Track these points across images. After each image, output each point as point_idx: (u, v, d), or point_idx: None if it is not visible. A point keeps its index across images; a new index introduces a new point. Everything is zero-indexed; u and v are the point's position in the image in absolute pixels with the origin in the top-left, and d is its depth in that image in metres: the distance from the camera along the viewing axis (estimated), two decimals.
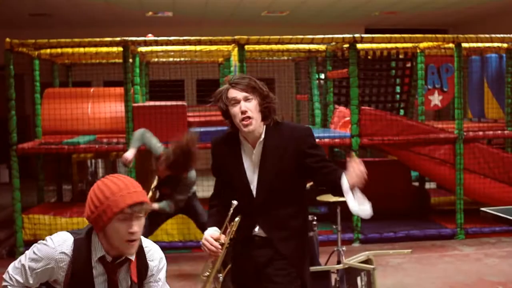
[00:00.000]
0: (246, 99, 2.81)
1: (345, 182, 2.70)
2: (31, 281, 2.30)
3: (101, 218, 2.23)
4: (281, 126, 2.93)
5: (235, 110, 2.81)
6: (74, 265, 2.27)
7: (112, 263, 2.31)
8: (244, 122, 2.80)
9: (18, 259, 2.35)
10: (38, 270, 2.27)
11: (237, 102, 2.81)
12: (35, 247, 2.31)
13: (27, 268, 2.28)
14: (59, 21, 12.41)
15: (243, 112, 2.79)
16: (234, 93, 2.82)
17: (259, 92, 2.84)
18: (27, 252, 2.34)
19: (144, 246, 2.44)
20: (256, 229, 2.94)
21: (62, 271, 2.28)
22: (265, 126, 2.89)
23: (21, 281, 2.30)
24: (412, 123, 7.53)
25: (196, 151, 4.93)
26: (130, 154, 5.25)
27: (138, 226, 2.27)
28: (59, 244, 2.27)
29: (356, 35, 7.23)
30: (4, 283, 2.34)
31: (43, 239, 2.33)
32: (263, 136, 2.89)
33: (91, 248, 2.29)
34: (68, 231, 2.36)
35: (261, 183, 2.88)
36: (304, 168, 2.88)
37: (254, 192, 2.89)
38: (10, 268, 2.35)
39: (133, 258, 2.35)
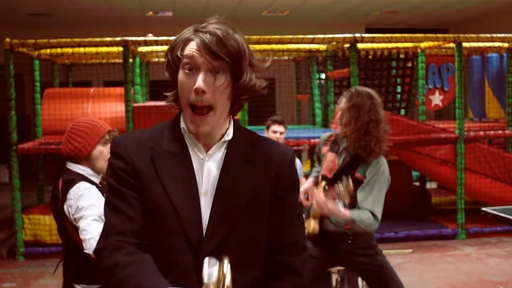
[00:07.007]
0: (212, 70, 1.53)
1: None
2: None
3: (88, 145, 2.85)
4: (251, 132, 1.73)
5: (186, 81, 1.56)
6: None
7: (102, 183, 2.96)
8: (196, 116, 1.57)
9: None
10: None
11: (195, 68, 1.54)
12: None
13: None
14: (59, 21, 12.40)
15: (197, 91, 1.53)
16: (195, 50, 1.53)
17: (240, 61, 1.54)
18: None
19: None
20: None
21: None
22: (232, 120, 1.66)
23: None
24: (413, 122, 7.51)
25: None
26: None
27: None
28: None
29: (357, 35, 7.21)
30: None
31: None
32: (230, 134, 1.64)
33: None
34: None
35: (218, 215, 1.56)
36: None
37: (204, 229, 1.55)
38: None
39: None
